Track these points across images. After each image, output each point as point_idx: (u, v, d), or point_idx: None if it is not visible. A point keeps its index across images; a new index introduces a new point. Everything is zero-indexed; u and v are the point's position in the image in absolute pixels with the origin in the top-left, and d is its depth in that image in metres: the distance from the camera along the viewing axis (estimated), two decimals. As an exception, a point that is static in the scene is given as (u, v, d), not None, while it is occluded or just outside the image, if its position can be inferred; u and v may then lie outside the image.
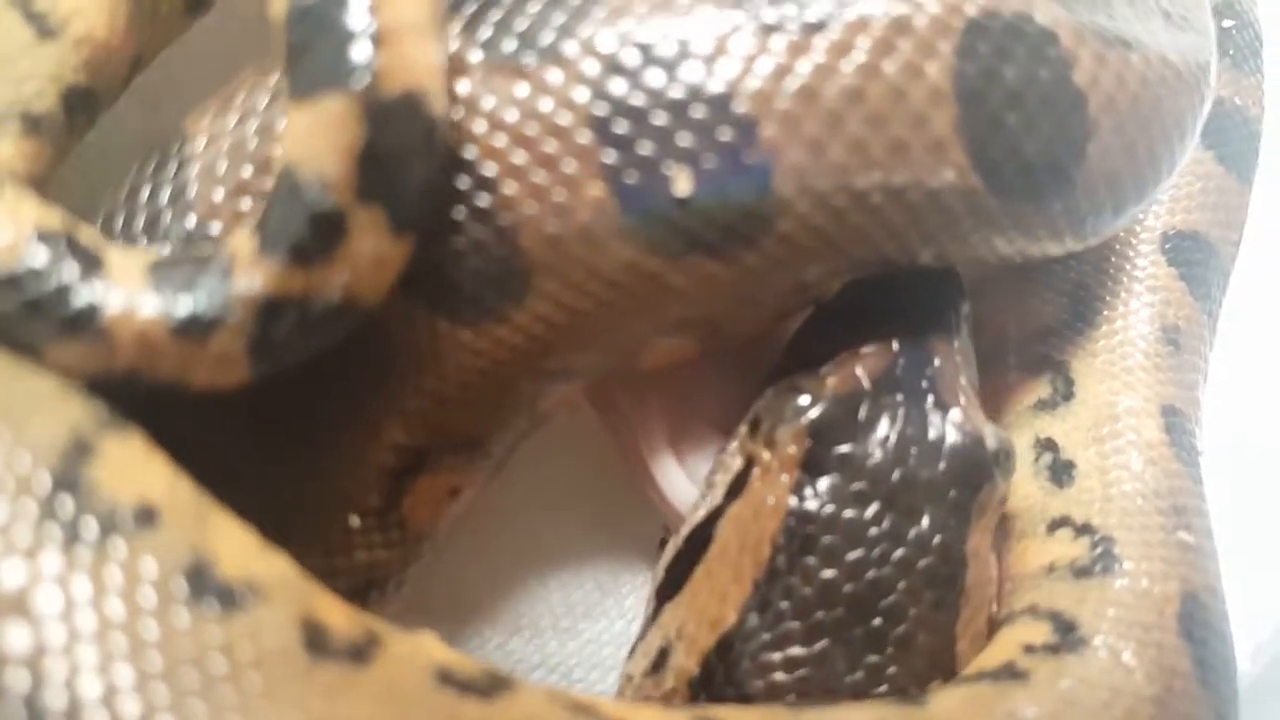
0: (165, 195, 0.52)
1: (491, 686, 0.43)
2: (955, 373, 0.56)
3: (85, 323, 0.45)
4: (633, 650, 0.58)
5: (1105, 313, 0.67)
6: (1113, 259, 0.68)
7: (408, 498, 0.57)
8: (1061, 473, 0.63)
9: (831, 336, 0.56)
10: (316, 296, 0.45)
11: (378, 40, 0.44)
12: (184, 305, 0.45)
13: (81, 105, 0.52)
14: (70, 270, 0.45)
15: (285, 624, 0.41)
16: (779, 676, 0.52)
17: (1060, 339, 0.67)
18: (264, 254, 0.45)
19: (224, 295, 0.45)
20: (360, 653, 0.42)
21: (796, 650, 0.52)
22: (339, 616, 0.43)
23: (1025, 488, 0.63)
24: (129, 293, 0.45)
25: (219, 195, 0.51)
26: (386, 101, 0.44)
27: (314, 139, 0.44)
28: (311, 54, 0.44)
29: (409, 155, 0.45)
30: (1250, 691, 0.74)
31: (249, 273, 0.45)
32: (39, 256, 0.45)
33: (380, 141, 0.44)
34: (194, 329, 0.45)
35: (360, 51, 0.44)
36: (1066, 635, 0.55)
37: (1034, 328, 0.68)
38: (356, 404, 0.54)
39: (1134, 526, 0.60)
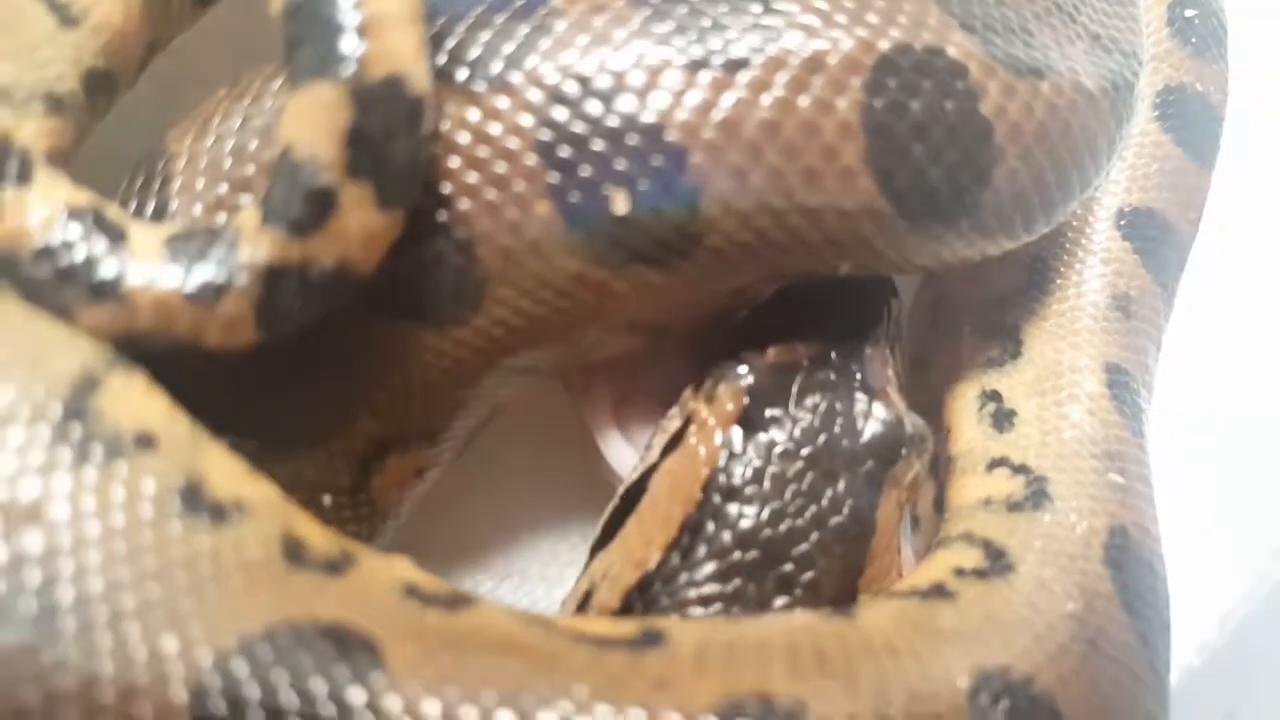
0: (149, 209, 0.56)
1: (455, 601, 0.47)
2: (884, 362, 0.60)
3: (110, 289, 0.49)
4: (564, 602, 0.60)
5: (1059, 281, 0.69)
6: (1069, 234, 0.71)
7: (376, 478, 0.60)
8: (1003, 420, 0.66)
9: (774, 324, 0.60)
10: (313, 265, 0.49)
11: (363, 31, 0.47)
12: (197, 273, 0.49)
13: (101, 87, 0.56)
14: (98, 243, 0.49)
15: (268, 537, 0.45)
16: (695, 611, 0.55)
17: (1015, 306, 0.69)
18: (266, 226, 0.49)
19: (232, 264, 0.49)
20: (335, 566, 0.46)
21: (712, 588, 0.55)
22: (318, 536, 0.47)
23: (969, 433, 0.66)
24: (148, 262, 0.49)
25: (198, 210, 0.55)
26: (371, 86, 0.48)
27: (308, 123, 0.48)
28: (305, 46, 0.48)
29: (394, 134, 0.48)
30: (1215, 660, 0.76)
31: (253, 243, 0.49)
32: (70, 231, 0.49)
33: (366, 123, 0.48)
34: (205, 294, 0.49)
35: (347, 42, 0.47)
36: (995, 562, 0.57)
37: (991, 297, 0.70)
38: (328, 398, 0.57)
39: (1067, 469, 0.62)
